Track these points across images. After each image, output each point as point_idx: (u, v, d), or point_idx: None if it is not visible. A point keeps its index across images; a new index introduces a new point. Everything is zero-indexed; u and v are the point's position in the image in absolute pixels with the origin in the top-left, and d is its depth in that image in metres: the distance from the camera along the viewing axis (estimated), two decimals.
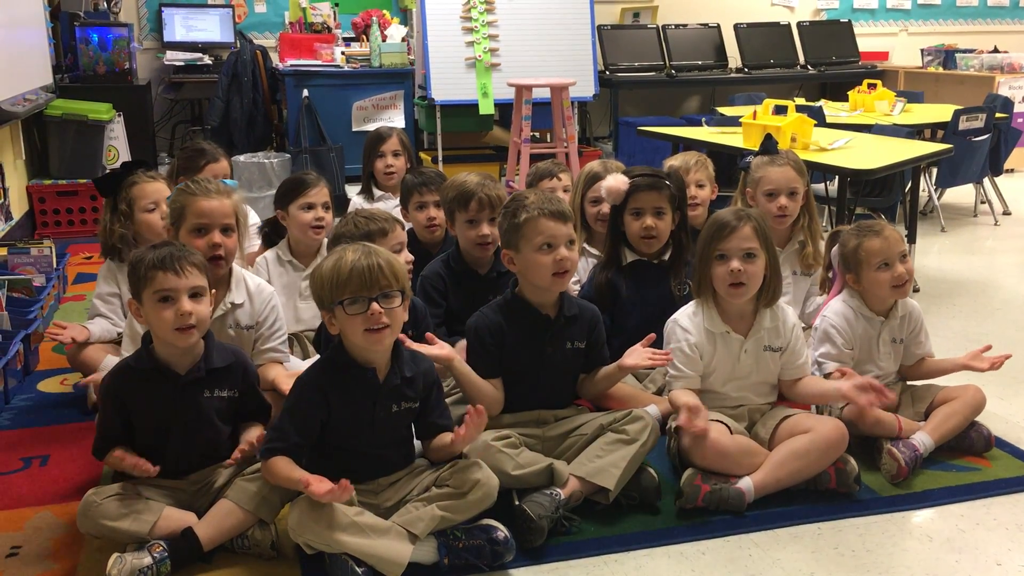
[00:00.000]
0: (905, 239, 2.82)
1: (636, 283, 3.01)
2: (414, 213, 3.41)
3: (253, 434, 2.32)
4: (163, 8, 6.99)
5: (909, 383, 2.88)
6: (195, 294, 2.22)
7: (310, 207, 3.21)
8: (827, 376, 2.75)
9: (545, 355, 2.51)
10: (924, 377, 2.87)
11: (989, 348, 2.79)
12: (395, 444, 2.27)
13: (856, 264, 2.74)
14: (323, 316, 2.15)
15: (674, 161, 3.67)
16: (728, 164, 4.42)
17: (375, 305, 2.08)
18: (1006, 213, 6.14)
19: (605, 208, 3.26)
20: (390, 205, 4.00)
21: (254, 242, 3.64)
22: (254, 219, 3.75)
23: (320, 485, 1.99)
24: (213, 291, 2.32)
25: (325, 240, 3.28)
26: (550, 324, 2.52)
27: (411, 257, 2.80)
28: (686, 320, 2.61)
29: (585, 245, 3.40)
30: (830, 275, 2.92)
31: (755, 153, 3.39)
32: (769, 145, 3.39)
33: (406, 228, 3.12)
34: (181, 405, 2.23)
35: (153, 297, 2.19)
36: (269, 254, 3.30)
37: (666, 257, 3.07)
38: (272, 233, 3.40)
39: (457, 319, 2.93)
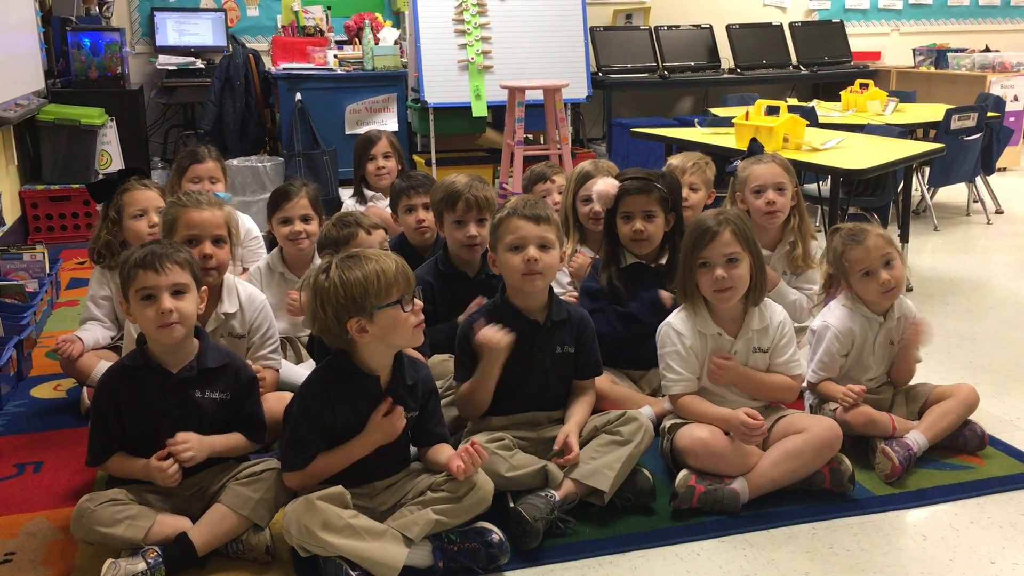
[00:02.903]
0: (897, 239, 2.80)
1: (633, 286, 3.01)
2: (403, 216, 3.41)
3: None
4: (155, 12, 6.98)
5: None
6: (177, 291, 2.23)
7: (286, 221, 3.21)
8: (813, 386, 2.78)
9: (535, 360, 2.50)
10: (901, 373, 2.82)
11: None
12: (393, 449, 2.26)
13: (843, 272, 2.77)
14: (352, 325, 2.10)
15: (675, 160, 3.68)
16: (720, 166, 4.43)
17: (418, 301, 2.16)
18: (999, 212, 6.15)
19: (596, 207, 3.27)
20: (382, 205, 4.02)
21: (259, 253, 3.64)
22: (256, 232, 3.76)
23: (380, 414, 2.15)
24: (204, 288, 2.33)
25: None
26: (539, 329, 2.51)
27: None
28: (679, 323, 2.61)
29: (579, 246, 3.41)
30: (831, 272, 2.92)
31: (741, 156, 3.40)
32: (755, 147, 3.41)
33: (387, 229, 3.12)
34: (171, 403, 2.23)
35: (136, 296, 2.21)
36: (261, 263, 3.31)
37: (663, 260, 3.07)
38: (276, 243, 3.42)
39: (445, 322, 2.93)
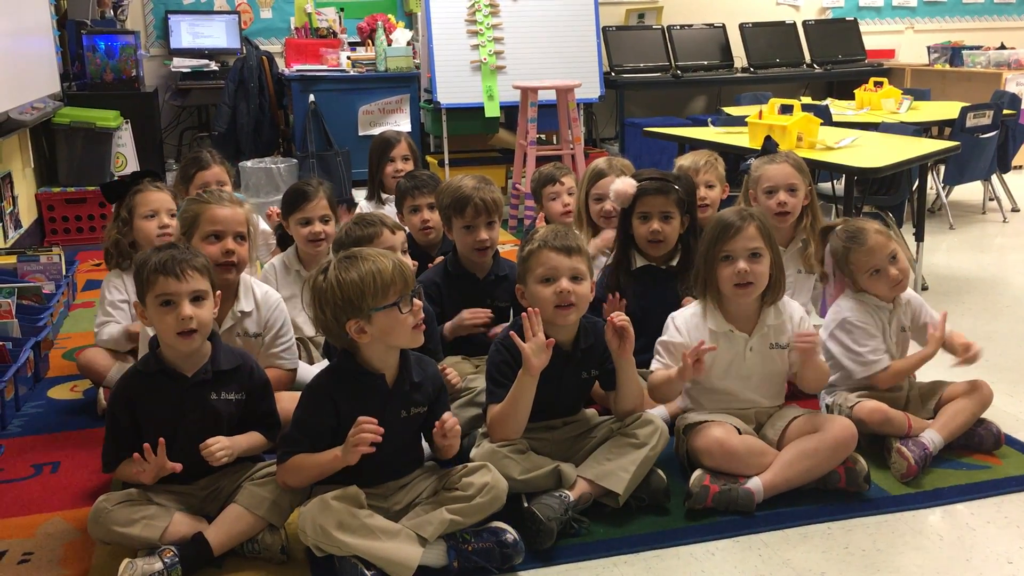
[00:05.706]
0: (900, 235, 2.80)
1: (644, 288, 3.00)
2: (408, 217, 3.41)
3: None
4: (169, 15, 7.02)
5: (918, 380, 2.87)
6: (197, 298, 2.23)
7: (306, 222, 3.21)
8: (883, 378, 2.73)
9: (561, 385, 2.46)
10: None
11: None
12: (404, 449, 2.27)
13: (849, 273, 2.78)
14: (351, 326, 2.10)
15: (684, 161, 3.66)
16: (734, 164, 4.42)
17: (417, 301, 2.15)
18: (1015, 210, 6.12)
19: (607, 206, 3.26)
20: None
21: (271, 245, 3.66)
22: (269, 228, 3.78)
23: (353, 443, 2.05)
24: (218, 292, 2.33)
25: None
26: (568, 357, 2.46)
27: (413, 263, 2.80)
28: (681, 320, 2.60)
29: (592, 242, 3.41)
30: (827, 271, 2.91)
31: (756, 155, 3.39)
32: (769, 146, 3.40)
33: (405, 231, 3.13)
34: (188, 407, 2.23)
35: (155, 301, 2.20)
36: (276, 260, 3.32)
37: (674, 262, 3.06)
38: (285, 237, 3.42)
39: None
